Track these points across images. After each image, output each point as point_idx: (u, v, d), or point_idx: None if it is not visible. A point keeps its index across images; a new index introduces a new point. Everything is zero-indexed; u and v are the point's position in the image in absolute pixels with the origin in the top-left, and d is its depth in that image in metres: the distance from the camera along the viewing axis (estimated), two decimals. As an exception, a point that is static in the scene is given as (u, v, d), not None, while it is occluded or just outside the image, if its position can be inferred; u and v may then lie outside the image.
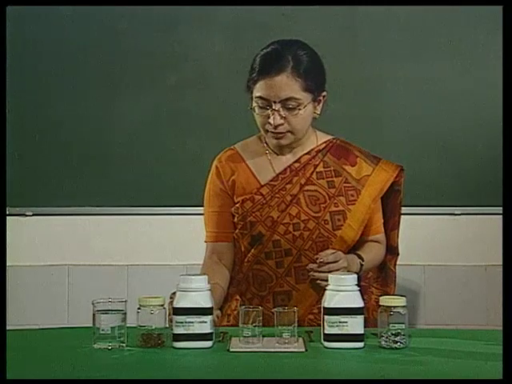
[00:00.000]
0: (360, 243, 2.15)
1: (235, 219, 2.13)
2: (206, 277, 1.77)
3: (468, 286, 3.19)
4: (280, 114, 1.99)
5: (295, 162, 2.12)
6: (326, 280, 1.77)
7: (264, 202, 2.08)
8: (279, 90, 1.97)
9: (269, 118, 2.00)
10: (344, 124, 3.10)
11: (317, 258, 2.01)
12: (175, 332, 1.71)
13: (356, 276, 1.76)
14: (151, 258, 3.19)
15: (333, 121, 3.09)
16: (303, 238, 2.06)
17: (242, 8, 3.11)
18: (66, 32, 3.17)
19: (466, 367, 1.57)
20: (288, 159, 2.13)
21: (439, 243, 3.20)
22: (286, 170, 2.11)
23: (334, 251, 2.01)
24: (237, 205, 2.11)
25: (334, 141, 2.17)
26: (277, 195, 2.08)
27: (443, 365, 1.59)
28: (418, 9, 3.10)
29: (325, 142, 2.15)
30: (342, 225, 2.07)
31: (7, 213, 2.94)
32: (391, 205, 2.23)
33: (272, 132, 2.04)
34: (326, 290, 1.75)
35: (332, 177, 2.10)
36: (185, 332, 1.71)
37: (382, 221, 2.21)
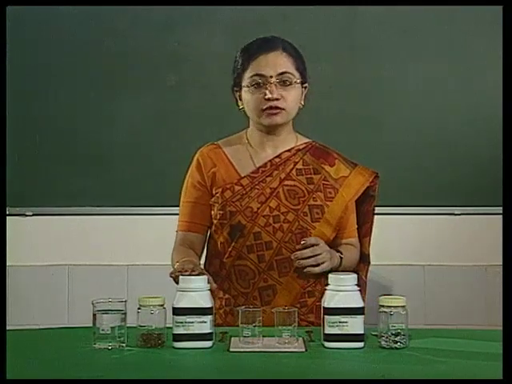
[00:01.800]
0: (335, 245, 2.16)
1: (214, 210, 2.14)
2: (205, 277, 1.78)
3: (468, 286, 3.19)
4: (276, 88, 2.06)
5: (276, 157, 2.16)
6: (314, 265, 1.91)
7: (244, 192, 2.11)
8: (274, 64, 2.07)
9: (265, 95, 2.06)
10: (344, 124, 3.11)
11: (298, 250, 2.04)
12: (175, 332, 1.72)
13: (356, 276, 1.76)
14: (151, 258, 3.18)
15: (332, 121, 3.11)
16: (283, 230, 2.08)
17: (241, 8, 3.11)
18: (66, 32, 3.17)
19: (466, 367, 1.57)
20: (269, 155, 2.17)
21: (439, 243, 3.20)
22: (266, 163, 2.15)
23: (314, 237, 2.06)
24: (217, 194, 2.13)
25: (314, 143, 2.22)
26: (256, 187, 2.11)
27: (443, 365, 1.59)
28: (417, 9, 3.11)
29: (305, 143, 2.21)
30: (320, 218, 2.10)
31: (7, 213, 2.94)
32: (365, 211, 2.24)
33: (268, 108, 2.08)
34: (325, 289, 1.75)
35: (311, 174, 2.15)
36: (185, 332, 1.71)
37: (356, 226, 2.22)
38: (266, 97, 2.06)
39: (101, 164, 3.18)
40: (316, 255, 2.01)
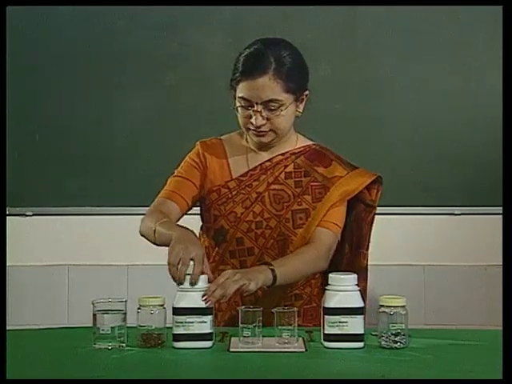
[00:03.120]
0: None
1: (200, 211, 2.14)
2: (205, 276, 1.77)
3: (468, 286, 3.19)
4: (262, 115, 1.99)
5: (267, 160, 2.11)
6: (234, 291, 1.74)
7: (229, 196, 2.08)
8: (261, 91, 1.96)
9: (251, 117, 2.00)
10: (343, 124, 3.11)
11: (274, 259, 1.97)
12: (175, 332, 1.71)
13: (356, 276, 1.76)
14: (151, 258, 3.17)
15: (332, 121, 3.11)
16: (265, 237, 2.05)
17: (241, 8, 3.11)
18: (66, 32, 3.17)
19: (466, 367, 1.57)
20: (263, 157, 2.12)
21: (439, 243, 3.20)
22: (256, 167, 2.11)
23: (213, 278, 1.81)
24: (203, 195, 2.11)
25: (314, 146, 2.15)
26: (242, 191, 2.08)
27: (443, 365, 1.59)
28: (417, 9, 3.11)
29: (303, 147, 2.14)
30: (303, 223, 2.05)
31: (7, 213, 2.94)
32: (362, 220, 2.13)
33: (254, 130, 2.04)
34: (326, 290, 1.75)
35: (300, 177, 2.09)
36: (185, 332, 1.71)
37: (340, 225, 2.08)
38: (251, 121, 2.00)
39: (100, 164, 3.18)
40: (229, 284, 1.77)
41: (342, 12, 3.14)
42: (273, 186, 2.08)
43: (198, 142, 2.20)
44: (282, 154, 2.12)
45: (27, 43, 3.16)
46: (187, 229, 1.90)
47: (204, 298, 1.73)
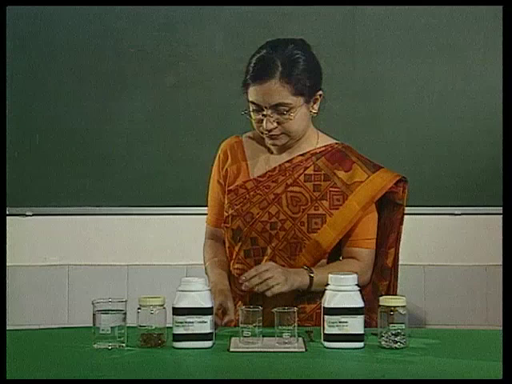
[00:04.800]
0: (337, 254, 2.10)
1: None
2: (205, 278, 1.78)
3: (468, 286, 3.19)
4: (272, 119, 1.99)
5: (287, 161, 2.10)
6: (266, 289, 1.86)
7: (247, 196, 2.08)
8: (269, 96, 1.96)
9: (262, 121, 2.00)
10: (343, 124, 3.11)
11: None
12: (175, 332, 1.72)
13: (356, 276, 1.76)
14: (151, 258, 3.19)
15: (332, 121, 3.11)
16: (279, 238, 2.04)
17: (242, 8, 3.11)
18: (66, 32, 3.17)
19: (466, 367, 1.57)
20: (283, 158, 2.11)
21: (439, 243, 3.20)
22: (275, 168, 2.10)
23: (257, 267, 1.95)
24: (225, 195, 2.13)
25: (336, 145, 2.12)
26: (259, 192, 2.07)
27: (443, 365, 1.59)
28: (417, 9, 3.11)
29: (324, 146, 2.11)
30: (318, 228, 2.03)
31: (7, 213, 2.94)
32: (389, 220, 2.13)
33: (266, 134, 2.04)
34: (326, 290, 1.75)
35: (320, 180, 2.06)
36: (185, 332, 1.71)
37: (374, 237, 2.10)
38: (262, 125, 2.00)
39: (101, 164, 3.18)
40: (266, 279, 1.90)
41: (342, 12, 3.14)
42: (291, 188, 2.07)
43: (219, 151, 2.19)
44: (303, 155, 2.10)
45: (27, 43, 3.16)
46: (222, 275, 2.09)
47: (242, 279, 1.90)
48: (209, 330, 1.72)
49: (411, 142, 3.15)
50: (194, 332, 1.70)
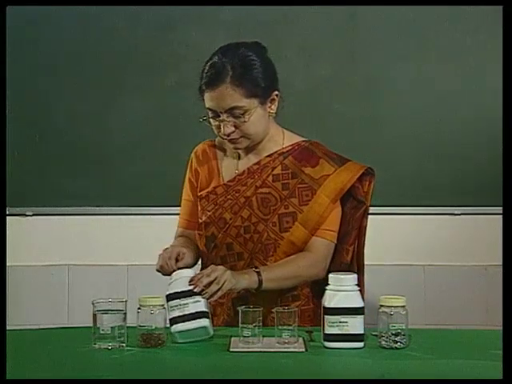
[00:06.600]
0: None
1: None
2: (192, 269, 1.86)
3: (468, 286, 3.19)
4: (229, 124, 2.00)
5: (255, 164, 2.09)
6: (217, 289, 1.80)
7: (218, 202, 2.07)
8: (222, 101, 1.99)
9: (220, 127, 2.01)
10: (343, 124, 3.11)
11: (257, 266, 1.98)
12: (171, 316, 1.74)
13: (356, 276, 1.76)
14: (151, 258, 3.17)
15: (332, 121, 3.11)
16: (253, 241, 2.03)
17: (242, 8, 3.11)
18: (66, 32, 3.17)
19: (466, 367, 1.57)
20: (251, 160, 2.11)
21: (439, 243, 3.20)
22: (244, 171, 2.09)
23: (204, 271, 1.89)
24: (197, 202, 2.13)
25: (303, 143, 2.12)
26: (230, 197, 2.07)
27: (443, 365, 1.59)
28: (417, 9, 3.11)
29: (291, 145, 2.11)
30: (290, 227, 2.02)
31: (7, 213, 2.94)
32: (352, 217, 2.08)
33: (226, 139, 2.04)
34: (326, 290, 1.75)
35: (288, 179, 2.06)
36: (180, 314, 1.73)
37: (336, 230, 2.07)
38: (221, 132, 2.01)
39: (101, 164, 3.18)
40: (215, 278, 1.82)
41: (342, 12, 3.14)
42: (260, 190, 2.06)
43: (192, 154, 2.21)
44: (270, 156, 2.09)
45: (27, 43, 3.16)
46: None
47: (192, 282, 1.79)
48: (204, 309, 1.75)
49: (411, 142, 3.15)
50: (190, 312, 1.74)
